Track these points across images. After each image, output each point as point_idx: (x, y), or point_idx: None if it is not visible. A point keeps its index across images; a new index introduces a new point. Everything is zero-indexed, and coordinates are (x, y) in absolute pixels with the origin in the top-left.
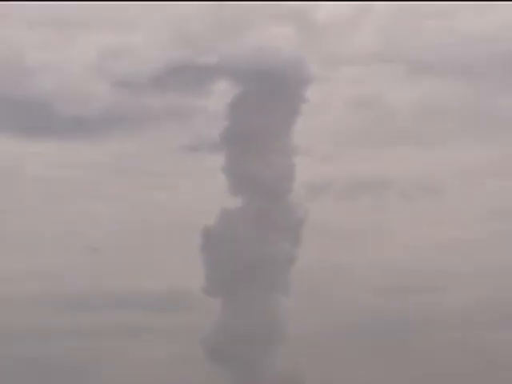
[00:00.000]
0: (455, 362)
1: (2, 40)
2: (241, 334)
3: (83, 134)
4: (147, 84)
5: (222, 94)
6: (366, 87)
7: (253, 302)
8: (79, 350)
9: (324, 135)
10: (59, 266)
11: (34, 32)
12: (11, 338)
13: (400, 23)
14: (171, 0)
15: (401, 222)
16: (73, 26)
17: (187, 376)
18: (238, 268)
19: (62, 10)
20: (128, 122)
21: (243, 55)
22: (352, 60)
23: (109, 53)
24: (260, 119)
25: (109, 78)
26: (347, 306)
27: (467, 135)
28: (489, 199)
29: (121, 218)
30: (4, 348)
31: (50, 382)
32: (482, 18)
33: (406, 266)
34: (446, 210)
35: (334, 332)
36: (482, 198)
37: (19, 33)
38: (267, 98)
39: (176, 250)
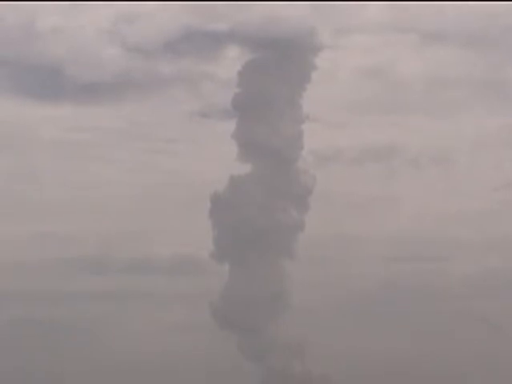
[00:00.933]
0: (463, 330)
1: (15, 6)
2: (247, 300)
3: (95, 99)
4: (159, 50)
5: (233, 60)
6: (377, 56)
7: (260, 269)
8: (90, 313)
9: (334, 103)
10: (71, 229)
11: None
12: (23, 301)
13: None
14: None
15: (410, 191)
16: None
17: (194, 340)
18: (245, 234)
19: None
20: (140, 87)
21: (255, 23)
22: (363, 29)
23: (122, 18)
24: (270, 86)
25: (121, 43)
26: (354, 274)
27: (478, 105)
28: (498, 169)
29: (131, 183)
30: (16, 310)
31: (61, 344)
32: None
33: (414, 235)
34: (456, 179)
35: (341, 300)
36: (492, 168)
37: None
38: (278, 66)
39: (185, 215)
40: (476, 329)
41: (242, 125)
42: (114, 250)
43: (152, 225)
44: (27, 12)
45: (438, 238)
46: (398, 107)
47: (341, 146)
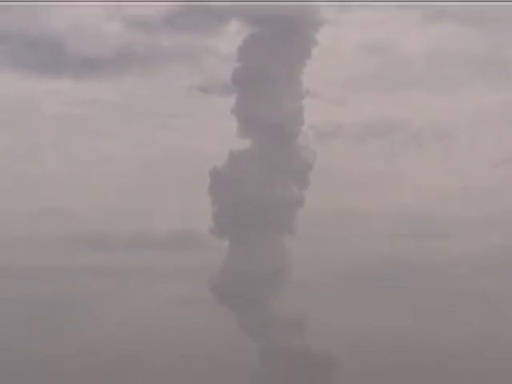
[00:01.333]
0: (464, 308)
1: None
2: (247, 275)
3: (96, 73)
4: (160, 24)
5: (233, 35)
6: (379, 32)
7: (259, 244)
8: (91, 288)
9: (335, 79)
10: (71, 205)
11: None
12: (24, 277)
13: None
14: None
15: (411, 168)
16: None
17: (194, 314)
18: (245, 210)
19: None
20: (140, 61)
21: None
22: (366, 5)
23: None
24: (271, 62)
25: (122, 17)
26: (354, 250)
27: (479, 82)
28: (499, 145)
29: (131, 158)
30: (18, 286)
31: (62, 320)
32: None
33: (415, 212)
34: (457, 155)
35: (341, 276)
36: (492, 144)
37: None
38: (278, 41)
39: (185, 191)
40: (476, 307)
41: (241, 100)
42: (115, 226)
43: (152, 200)
44: None
45: (439, 215)
46: (399, 83)
47: (341, 122)
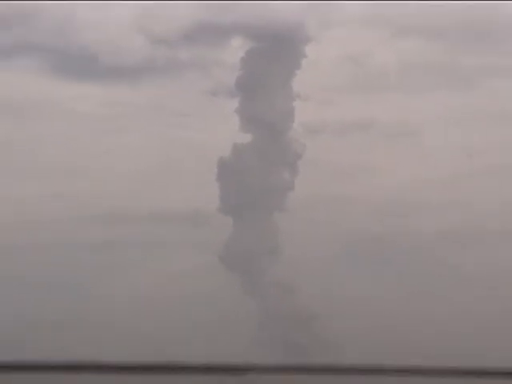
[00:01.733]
0: (431, 278)
1: (56, 1)
2: (248, 247)
3: (123, 80)
4: (176, 39)
5: (237, 49)
6: (356, 46)
7: (257, 220)
8: (114, 260)
9: (320, 85)
10: (99, 188)
11: None
12: (54, 249)
13: None
14: None
15: (385, 159)
16: None
17: (204, 281)
18: (246, 192)
19: None
20: (159, 70)
21: (256, 17)
22: (344, 24)
23: (147, 12)
24: (268, 70)
25: (145, 33)
26: (335, 226)
27: (439, 87)
28: (459, 139)
29: (152, 150)
30: (46, 258)
31: (84, 287)
32: None
33: (388, 195)
34: (423, 148)
35: (325, 248)
36: (454, 140)
37: None
38: (274, 53)
39: (196, 176)
40: (445, 276)
41: (244, 102)
42: (138, 205)
43: (169, 185)
44: (68, 5)
45: (410, 199)
46: (373, 88)
47: (326, 120)
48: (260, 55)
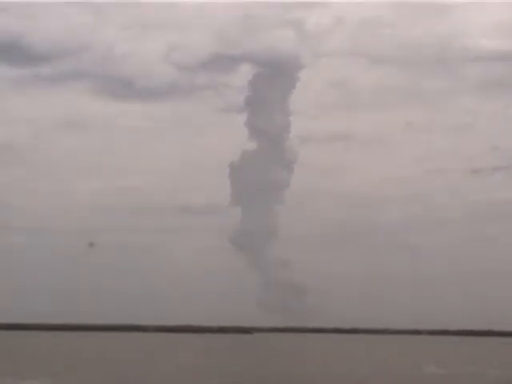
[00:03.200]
0: (388, 257)
1: (102, 37)
2: (253, 232)
3: (155, 99)
4: (196, 67)
5: (245, 74)
6: (339, 72)
7: (261, 211)
8: (153, 241)
9: (310, 103)
10: (139, 185)
11: (125, 32)
12: (107, 231)
13: (363, 29)
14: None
15: (360, 162)
16: (150, 28)
17: (219, 258)
18: (252, 188)
19: (144, 14)
20: (182, 92)
21: (260, 50)
22: (330, 55)
23: (171, 46)
24: (269, 91)
25: (172, 62)
26: (322, 215)
27: (406, 105)
28: (422, 147)
29: (177, 155)
30: (100, 239)
31: (129, 262)
32: (418, 27)
33: (361, 191)
34: (391, 154)
35: (314, 232)
36: (415, 147)
37: (114, 33)
38: (274, 77)
39: (212, 176)
40: (398, 253)
41: (250, 117)
42: (166, 199)
43: (191, 183)
44: (109, 39)
45: (378, 192)
46: (352, 106)
47: (315, 131)
48: (263, 79)
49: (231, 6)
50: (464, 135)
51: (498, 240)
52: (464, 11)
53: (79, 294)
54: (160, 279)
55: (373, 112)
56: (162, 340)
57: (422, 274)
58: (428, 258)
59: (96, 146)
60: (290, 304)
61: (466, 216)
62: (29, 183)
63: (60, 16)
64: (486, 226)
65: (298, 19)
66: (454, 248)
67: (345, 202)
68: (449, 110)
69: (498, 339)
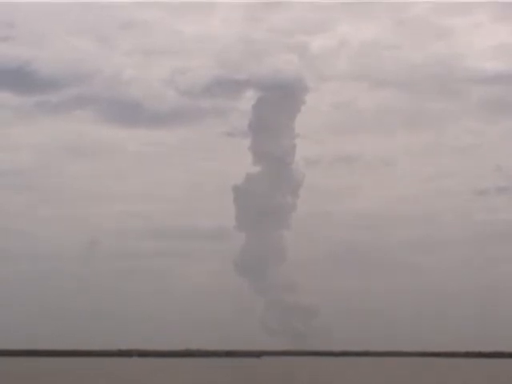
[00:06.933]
0: (400, 275)
1: (107, 64)
2: (258, 256)
3: (160, 124)
4: (200, 92)
5: (248, 99)
6: (343, 95)
7: (266, 235)
8: (156, 265)
9: (315, 126)
10: (143, 209)
11: (131, 57)
12: (107, 257)
13: (366, 54)
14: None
15: (366, 184)
16: (155, 53)
17: (223, 281)
18: (256, 212)
19: (148, 41)
20: (187, 116)
21: (263, 74)
22: (334, 78)
23: (176, 71)
24: (273, 114)
25: (175, 87)
26: (329, 238)
27: (410, 126)
28: (426, 169)
29: (183, 179)
30: (103, 262)
31: (132, 284)
32: (421, 50)
33: (369, 212)
34: (396, 176)
35: (321, 255)
36: (419, 168)
37: (120, 58)
38: (279, 101)
39: (217, 199)
40: (405, 273)
41: (255, 140)
42: (173, 223)
43: (196, 206)
44: (116, 65)
45: (384, 213)
46: (357, 129)
47: (320, 154)
48: (267, 103)
49: (235, 30)
50: (468, 156)
51: (501, 260)
52: (466, 33)
53: (87, 317)
54: (167, 303)
55: (377, 134)
56: (167, 365)
57: (432, 294)
58: (436, 278)
59: (102, 172)
60: (297, 327)
61: (471, 236)
62: (36, 209)
63: (65, 43)
64: (490, 247)
65: (303, 41)
66: (459, 268)
67: (351, 224)
68: (452, 131)
69: (506, 361)
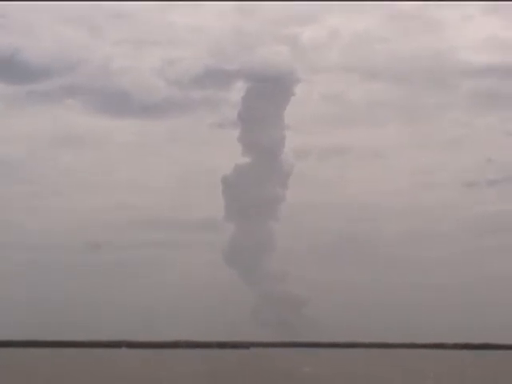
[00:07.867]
0: (384, 270)
1: (97, 53)
2: (247, 246)
3: (150, 115)
4: (190, 82)
5: (238, 90)
6: (333, 87)
7: (255, 226)
8: (148, 255)
9: (305, 118)
10: (134, 200)
11: (120, 47)
12: (109, 247)
13: (357, 45)
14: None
15: (356, 175)
16: (145, 43)
17: (212, 272)
18: (246, 203)
19: (138, 31)
20: (178, 107)
21: (254, 64)
22: (325, 69)
23: (166, 62)
24: (263, 106)
25: (165, 78)
26: (318, 229)
27: (400, 119)
28: (414, 162)
29: (172, 170)
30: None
31: (125, 277)
32: (413, 42)
33: (359, 204)
34: (386, 168)
35: (310, 246)
36: (409, 161)
37: (109, 48)
38: (268, 93)
39: (206, 191)
40: (393, 265)
41: (244, 132)
42: (162, 214)
43: (186, 197)
44: (106, 55)
45: (374, 205)
46: (347, 121)
47: (310, 146)
48: (257, 94)
49: (226, 21)
50: (458, 148)
51: (491, 252)
52: (457, 26)
53: (77, 308)
54: (156, 294)
55: (368, 126)
56: (158, 356)
57: (420, 286)
58: (424, 270)
59: (91, 162)
60: (286, 318)
61: (460, 228)
62: (26, 200)
63: (56, 33)
64: (480, 239)
65: (294, 33)
66: (448, 260)
67: (341, 216)
68: (443, 123)
69: (495, 352)
